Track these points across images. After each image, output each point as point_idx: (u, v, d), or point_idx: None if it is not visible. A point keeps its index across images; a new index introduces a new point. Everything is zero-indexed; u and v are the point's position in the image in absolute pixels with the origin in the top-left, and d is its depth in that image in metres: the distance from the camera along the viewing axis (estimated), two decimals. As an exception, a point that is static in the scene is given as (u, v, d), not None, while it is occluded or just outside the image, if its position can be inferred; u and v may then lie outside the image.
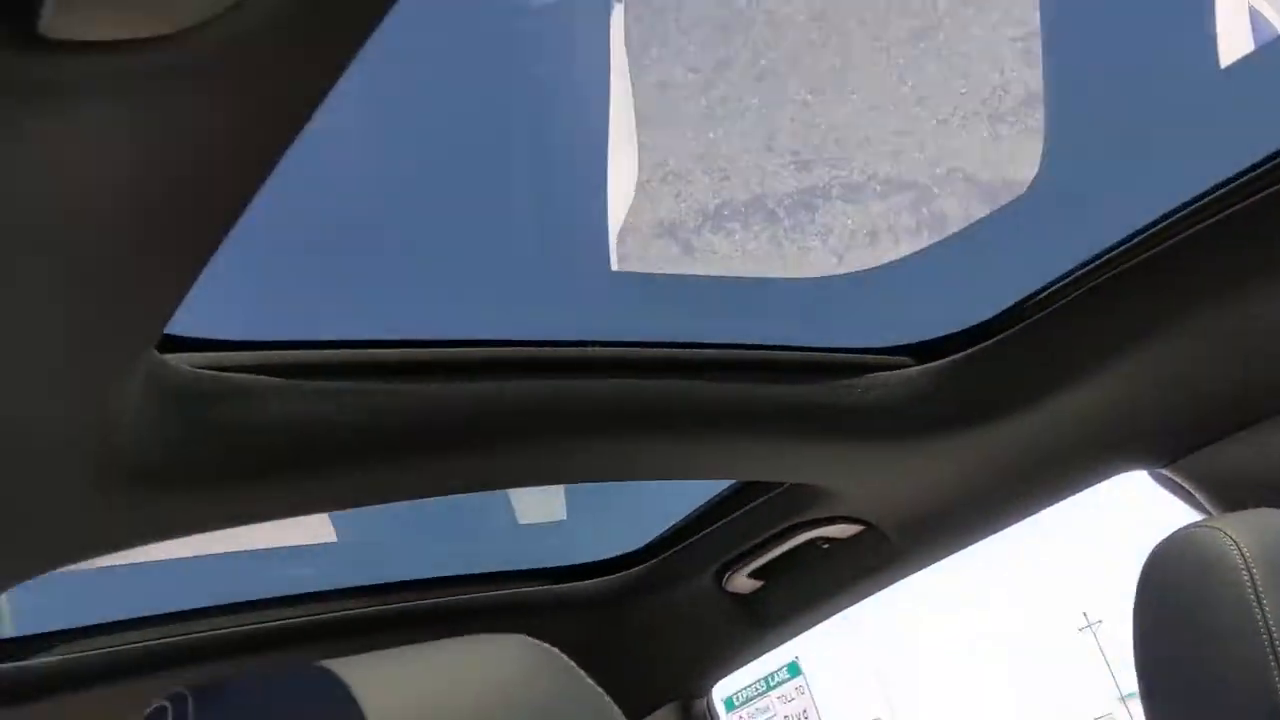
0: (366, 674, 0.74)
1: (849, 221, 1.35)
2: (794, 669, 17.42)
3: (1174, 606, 1.02)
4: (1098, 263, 1.19)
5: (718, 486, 1.52)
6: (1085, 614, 40.33)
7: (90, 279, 0.63)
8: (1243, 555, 0.97)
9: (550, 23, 1.23)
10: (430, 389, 0.99)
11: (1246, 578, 0.96)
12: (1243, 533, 0.99)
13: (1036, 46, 1.34)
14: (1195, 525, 1.03)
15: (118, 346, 0.72)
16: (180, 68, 0.50)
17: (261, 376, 0.89)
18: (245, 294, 1.01)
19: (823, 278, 1.34)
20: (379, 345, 0.98)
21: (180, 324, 0.75)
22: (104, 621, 1.26)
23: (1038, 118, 1.34)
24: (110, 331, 0.70)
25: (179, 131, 0.54)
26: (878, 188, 1.35)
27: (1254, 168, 1.11)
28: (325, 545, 1.51)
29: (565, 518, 1.67)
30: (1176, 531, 1.04)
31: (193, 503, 0.92)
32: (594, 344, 1.11)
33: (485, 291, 1.19)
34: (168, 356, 0.83)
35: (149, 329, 0.72)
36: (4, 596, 1.17)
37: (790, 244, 1.35)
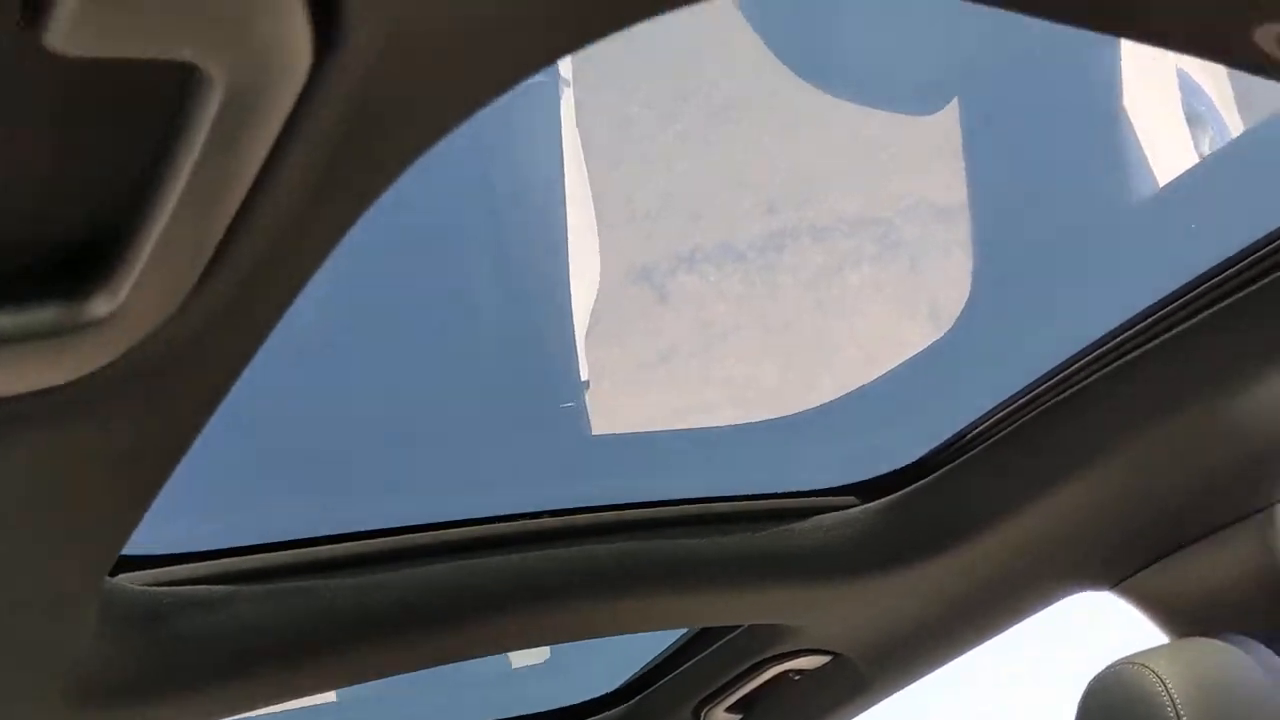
0: None
1: (817, 259, 1.40)
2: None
3: None
4: (1031, 395, 1.23)
5: (690, 625, 1.55)
6: None
7: (33, 535, 0.69)
8: (1170, 695, 0.99)
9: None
10: (388, 576, 1.04)
11: (1173, 716, 0.98)
12: (1171, 669, 1.01)
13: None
14: (1124, 662, 1.06)
15: (71, 582, 0.77)
16: (84, 401, 0.53)
17: (216, 586, 0.94)
18: (187, 506, 1.06)
19: (766, 421, 1.39)
20: (328, 541, 1.03)
21: (130, 544, 0.81)
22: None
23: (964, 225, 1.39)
24: (62, 571, 0.75)
25: (90, 443, 0.59)
26: (844, 227, 1.40)
27: (1194, 284, 1.11)
28: (325, 705, 1.54)
29: (549, 657, 1.72)
30: (1107, 668, 1.07)
31: (171, 711, 0.96)
32: (549, 514, 1.16)
33: (429, 477, 1.24)
34: (121, 578, 0.88)
35: (99, 563, 0.77)
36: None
37: (761, 283, 1.39)
